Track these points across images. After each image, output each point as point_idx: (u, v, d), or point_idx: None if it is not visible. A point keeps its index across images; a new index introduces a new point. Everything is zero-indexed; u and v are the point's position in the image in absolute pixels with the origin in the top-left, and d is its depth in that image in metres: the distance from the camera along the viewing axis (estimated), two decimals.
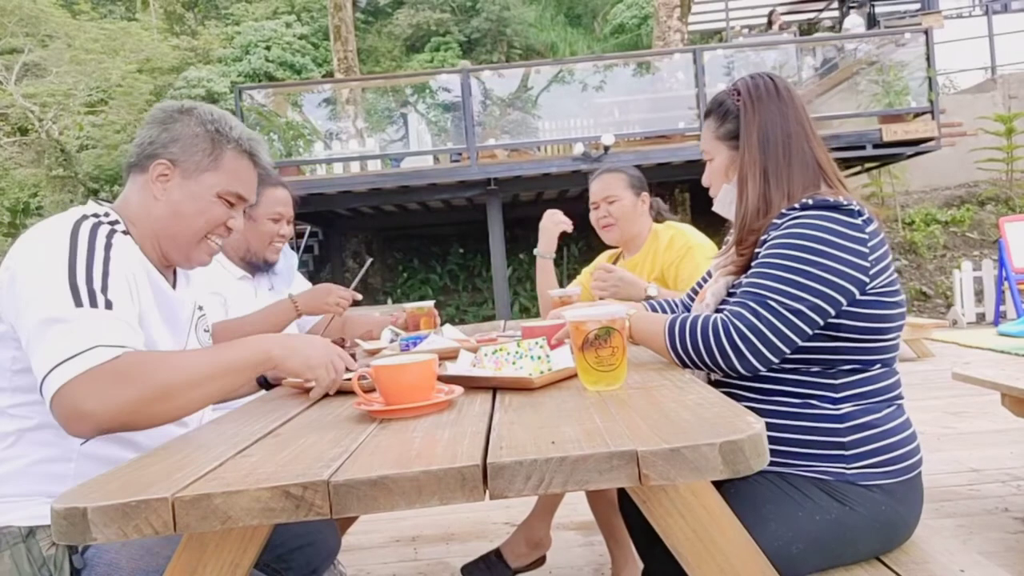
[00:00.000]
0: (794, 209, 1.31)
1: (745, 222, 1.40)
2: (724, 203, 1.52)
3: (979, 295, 8.09)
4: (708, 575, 1.01)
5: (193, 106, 1.40)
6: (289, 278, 2.30)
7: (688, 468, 0.83)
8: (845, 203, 1.28)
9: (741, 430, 0.87)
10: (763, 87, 1.42)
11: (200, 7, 22.37)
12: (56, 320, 1.12)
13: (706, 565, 1.01)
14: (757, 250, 1.36)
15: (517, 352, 1.37)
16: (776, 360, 1.26)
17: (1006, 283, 7.47)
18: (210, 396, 1.17)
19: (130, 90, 16.83)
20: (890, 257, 1.32)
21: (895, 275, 1.32)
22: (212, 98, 16.97)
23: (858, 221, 1.27)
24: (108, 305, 1.16)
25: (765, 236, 1.35)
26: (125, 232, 1.33)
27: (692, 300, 1.70)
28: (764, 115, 1.40)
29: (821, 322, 1.25)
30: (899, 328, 1.32)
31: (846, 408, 1.29)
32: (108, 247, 1.23)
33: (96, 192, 16.08)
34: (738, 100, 1.44)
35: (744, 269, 1.41)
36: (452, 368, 1.40)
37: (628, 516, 1.65)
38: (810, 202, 1.30)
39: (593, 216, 2.47)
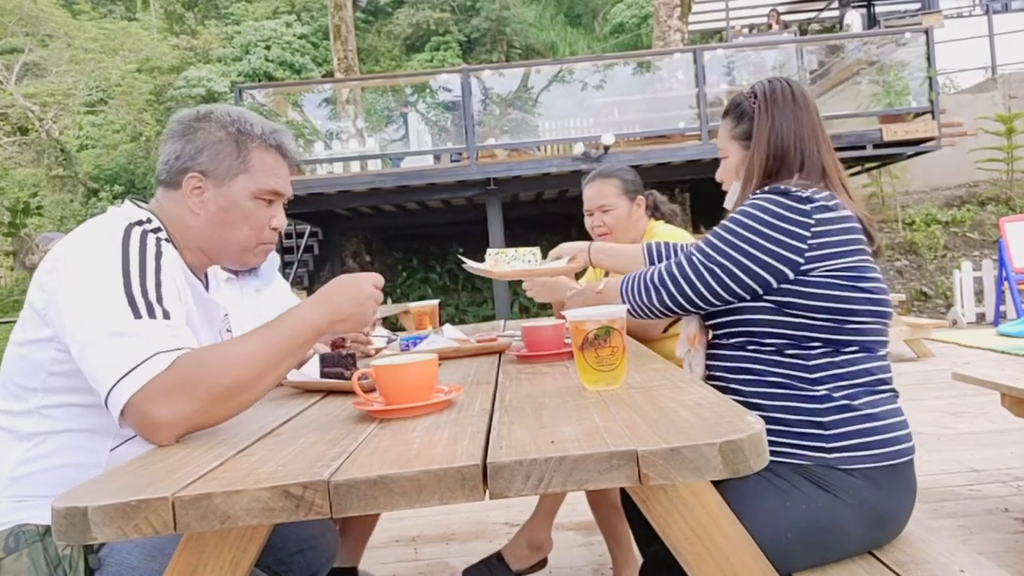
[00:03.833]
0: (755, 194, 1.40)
1: None
2: (731, 200, 1.59)
3: (979, 295, 8.08)
4: (707, 575, 1.01)
5: (210, 110, 1.38)
6: (270, 277, 2.24)
7: (688, 468, 0.83)
8: (795, 190, 1.34)
9: (741, 430, 0.87)
10: (780, 91, 1.46)
11: (200, 7, 22.37)
12: (117, 333, 1.12)
13: (705, 565, 1.01)
14: None
15: (514, 256, 1.90)
16: (685, 304, 1.41)
17: (1006, 283, 7.46)
18: (273, 382, 1.19)
19: (130, 90, 16.85)
20: (857, 246, 1.35)
21: (865, 264, 1.35)
22: (212, 98, 16.98)
23: (804, 206, 1.32)
24: (166, 315, 1.16)
25: None
26: (168, 239, 1.33)
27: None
28: (777, 119, 1.44)
29: (739, 290, 1.35)
30: (874, 315, 1.35)
31: (823, 390, 1.32)
32: (159, 255, 1.24)
33: (96, 192, 16.09)
34: (754, 102, 1.48)
35: None
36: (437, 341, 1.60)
37: (629, 511, 1.66)
38: (767, 188, 1.38)
39: (587, 222, 2.42)
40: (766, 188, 1.39)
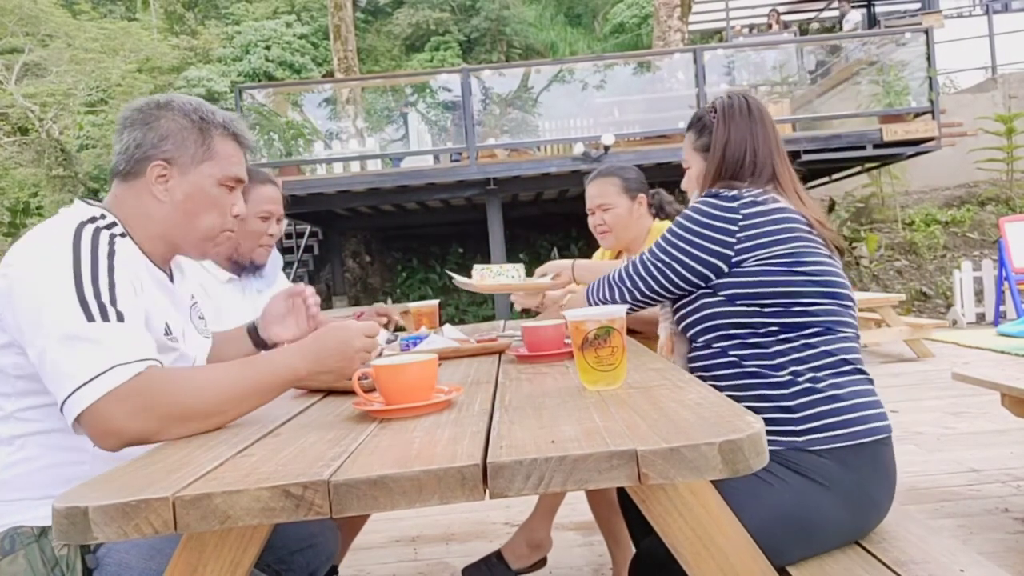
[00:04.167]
0: None
1: None
2: None
3: (979, 295, 8.08)
4: (707, 574, 1.01)
5: (169, 99, 1.37)
6: (273, 278, 2.22)
7: (687, 467, 0.83)
8: (724, 191, 1.47)
9: (740, 429, 0.87)
10: (737, 106, 1.57)
11: (200, 7, 22.37)
12: (70, 337, 1.10)
13: (705, 564, 1.01)
14: None
15: (499, 272, 2.05)
16: (641, 299, 1.57)
17: (1006, 283, 7.45)
18: (235, 416, 1.18)
19: (130, 90, 16.83)
20: (793, 234, 1.42)
21: (805, 250, 1.43)
22: (212, 97, 16.97)
23: (730, 204, 1.45)
24: (120, 317, 1.14)
25: None
26: (123, 234, 1.31)
27: None
28: (733, 132, 1.55)
29: (682, 283, 1.49)
30: (824, 296, 1.41)
31: (786, 375, 1.39)
32: (111, 255, 1.21)
33: (96, 192, 16.08)
34: (713, 116, 1.58)
35: None
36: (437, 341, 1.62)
37: (627, 509, 1.67)
38: (703, 192, 1.52)
39: (590, 221, 2.44)
40: (703, 193, 1.52)
